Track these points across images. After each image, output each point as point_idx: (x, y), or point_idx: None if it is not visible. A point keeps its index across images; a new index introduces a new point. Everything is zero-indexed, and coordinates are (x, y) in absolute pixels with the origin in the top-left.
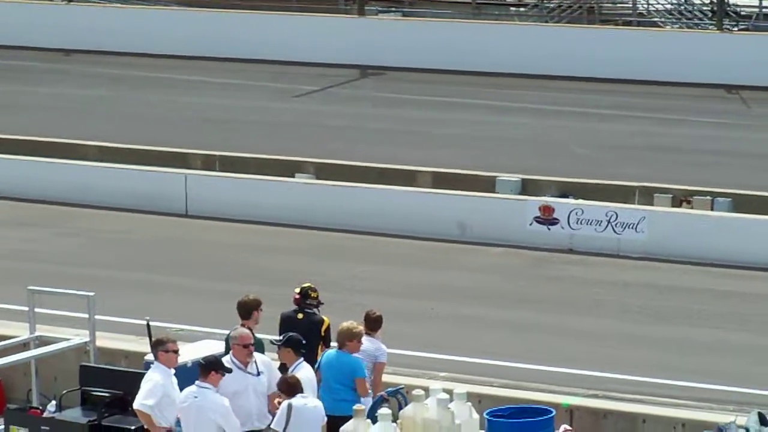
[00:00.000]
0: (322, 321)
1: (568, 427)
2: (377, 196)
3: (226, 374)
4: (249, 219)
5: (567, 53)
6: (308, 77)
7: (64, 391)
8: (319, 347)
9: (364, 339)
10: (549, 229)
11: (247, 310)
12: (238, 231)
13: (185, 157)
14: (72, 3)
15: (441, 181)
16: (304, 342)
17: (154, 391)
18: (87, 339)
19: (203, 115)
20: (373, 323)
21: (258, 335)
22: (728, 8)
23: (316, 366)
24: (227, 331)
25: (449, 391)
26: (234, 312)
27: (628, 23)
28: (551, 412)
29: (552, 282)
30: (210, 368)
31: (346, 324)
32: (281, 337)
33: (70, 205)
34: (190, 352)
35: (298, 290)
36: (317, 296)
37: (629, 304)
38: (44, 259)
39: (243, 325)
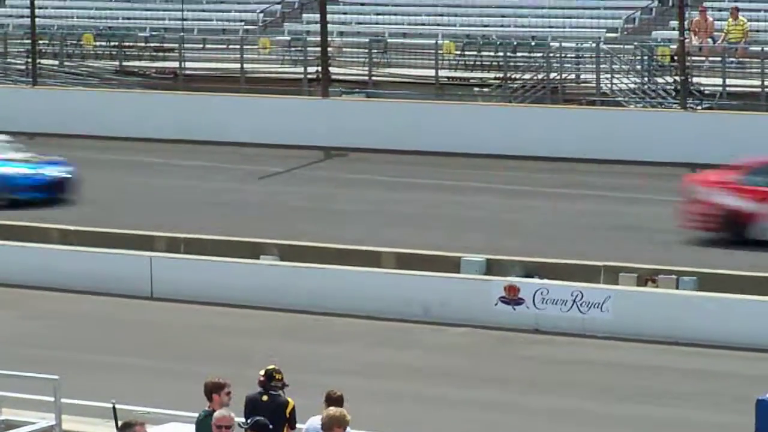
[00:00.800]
0: (287, 403)
1: None
2: (341, 277)
3: None
4: (214, 301)
5: (531, 133)
6: (273, 159)
7: None
8: (285, 429)
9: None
10: (514, 309)
11: (207, 392)
12: (204, 313)
13: (150, 240)
14: (36, 87)
15: (405, 261)
16: (270, 426)
17: None
18: (53, 422)
19: (168, 198)
20: (334, 403)
21: None
22: (692, 87)
23: None
24: (194, 414)
25: None
26: (199, 393)
27: (592, 103)
28: None
29: (517, 362)
30: None
31: (339, 411)
32: (248, 421)
33: (34, 288)
34: None
35: (262, 372)
36: (282, 378)
37: (594, 383)
38: (8, 341)
39: (209, 407)
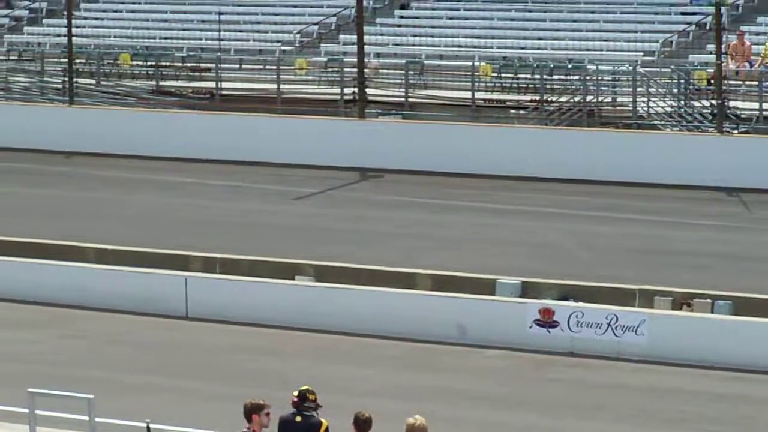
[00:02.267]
0: (320, 424)
1: None
2: (376, 299)
3: None
4: (249, 321)
5: (566, 156)
6: (308, 180)
7: None
8: None
9: None
10: (549, 332)
11: (247, 413)
12: (238, 333)
13: (185, 260)
14: (73, 106)
15: (440, 283)
16: None
17: None
18: None
19: (203, 218)
20: (363, 424)
21: None
22: (728, 111)
23: None
24: None
25: None
26: (234, 414)
27: (628, 126)
28: None
29: (552, 385)
30: None
31: (420, 421)
32: None
33: (71, 307)
34: None
35: (296, 393)
36: (315, 398)
37: (629, 407)
38: (45, 360)
39: (248, 428)
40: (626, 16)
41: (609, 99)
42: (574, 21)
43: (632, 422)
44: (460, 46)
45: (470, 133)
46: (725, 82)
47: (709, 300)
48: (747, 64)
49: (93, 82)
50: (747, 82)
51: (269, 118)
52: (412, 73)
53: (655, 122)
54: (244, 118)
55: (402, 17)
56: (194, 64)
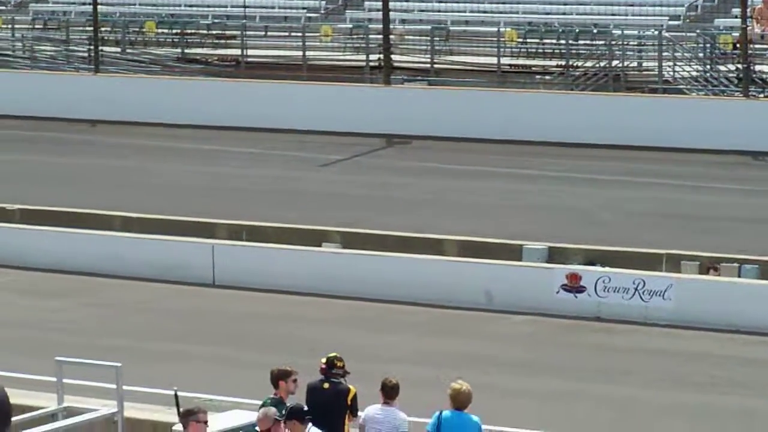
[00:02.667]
0: (348, 390)
1: None
2: (403, 266)
3: None
4: (276, 289)
5: (593, 121)
6: (334, 146)
7: None
8: (346, 417)
9: (382, 407)
10: (576, 297)
11: (273, 380)
12: (266, 300)
13: (212, 227)
14: (98, 74)
15: (467, 249)
16: (305, 408)
17: None
18: (115, 410)
19: (229, 185)
20: (390, 391)
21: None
22: (754, 75)
23: (428, 428)
24: (256, 401)
25: None
26: (262, 381)
27: (654, 91)
28: None
29: (579, 350)
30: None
31: (465, 386)
32: (282, 413)
33: (97, 276)
34: (219, 423)
35: (324, 360)
36: (343, 365)
37: (656, 372)
38: (72, 329)
39: (275, 395)
40: None
41: (635, 63)
42: None
43: (660, 387)
44: (485, 12)
45: (496, 99)
46: (751, 46)
47: (736, 264)
48: None
49: (118, 50)
50: None
51: (295, 85)
52: (437, 39)
53: (681, 87)
54: (269, 86)
55: None
56: (219, 32)
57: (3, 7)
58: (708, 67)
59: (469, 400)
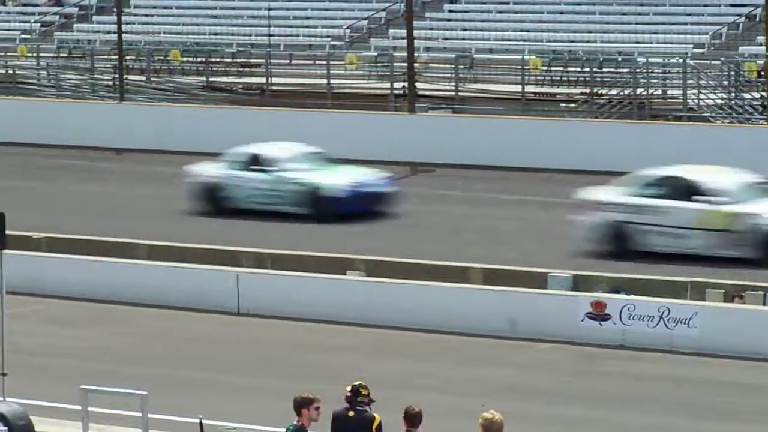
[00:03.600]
0: (373, 419)
1: None
2: (428, 293)
3: None
4: (301, 317)
5: (617, 148)
6: None
7: None
8: None
9: None
10: (601, 324)
11: (296, 407)
12: (290, 329)
13: (236, 255)
14: (123, 102)
15: (492, 277)
16: None
17: None
18: None
19: (253, 213)
20: (413, 418)
21: None
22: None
23: None
24: (279, 429)
25: None
26: (285, 409)
27: (679, 118)
28: None
29: (604, 378)
30: None
31: (498, 416)
32: None
33: (123, 304)
34: None
35: (349, 388)
36: (368, 394)
37: (681, 400)
38: (97, 357)
39: (298, 422)
40: (676, 8)
41: (659, 91)
42: (624, 14)
43: (685, 415)
44: (509, 40)
45: (520, 127)
46: None
47: (761, 292)
48: None
49: (143, 78)
50: None
51: (319, 113)
52: (461, 67)
53: (706, 114)
54: (294, 114)
55: (451, 11)
56: (244, 60)
57: (28, 36)
58: (732, 94)
59: (501, 430)
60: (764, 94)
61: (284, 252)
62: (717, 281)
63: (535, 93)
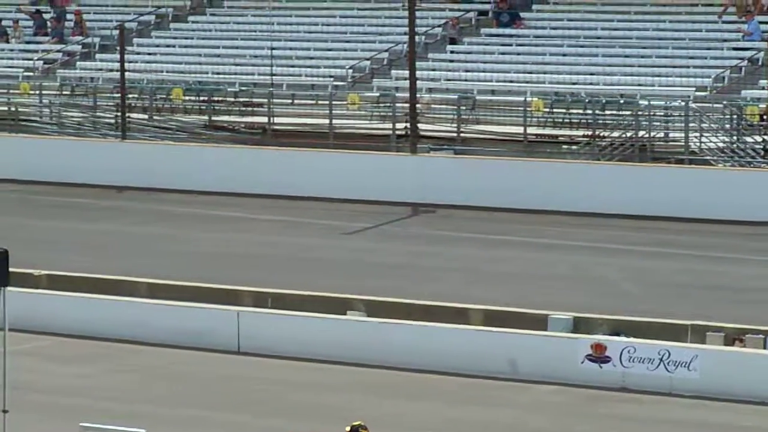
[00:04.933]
0: None
1: None
2: (428, 334)
3: None
4: (301, 356)
5: (618, 191)
6: (360, 215)
7: None
8: None
9: None
10: (601, 367)
11: None
12: (291, 368)
13: (237, 294)
14: (126, 140)
15: (492, 318)
16: None
17: None
18: None
19: (255, 252)
20: None
21: None
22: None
23: None
24: None
25: None
26: None
27: (680, 161)
28: None
29: (604, 421)
30: None
31: None
32: None
33: (122, 342)
34: None
35: (348, 428)
36: None
37: None
38: (96, 395)
39: None
40: (678, 51)
41: (661, 134)
42: (626, 56)
43: None
44: (512, 81)
45: (522, 169)
46: None
47: (761, 336)
48: None
49: (145, 116)
50: None
51: (321, 154)
52: (463, 108)
53: (708, 158)
54: (296, 154)
55: (453, 52)
56: (246, 99)
57: (31, 73)
58: (735, 138)
59: None
60: (766, 137)
61: (285, 291)
62: (718, 324)
63: (537, 134)
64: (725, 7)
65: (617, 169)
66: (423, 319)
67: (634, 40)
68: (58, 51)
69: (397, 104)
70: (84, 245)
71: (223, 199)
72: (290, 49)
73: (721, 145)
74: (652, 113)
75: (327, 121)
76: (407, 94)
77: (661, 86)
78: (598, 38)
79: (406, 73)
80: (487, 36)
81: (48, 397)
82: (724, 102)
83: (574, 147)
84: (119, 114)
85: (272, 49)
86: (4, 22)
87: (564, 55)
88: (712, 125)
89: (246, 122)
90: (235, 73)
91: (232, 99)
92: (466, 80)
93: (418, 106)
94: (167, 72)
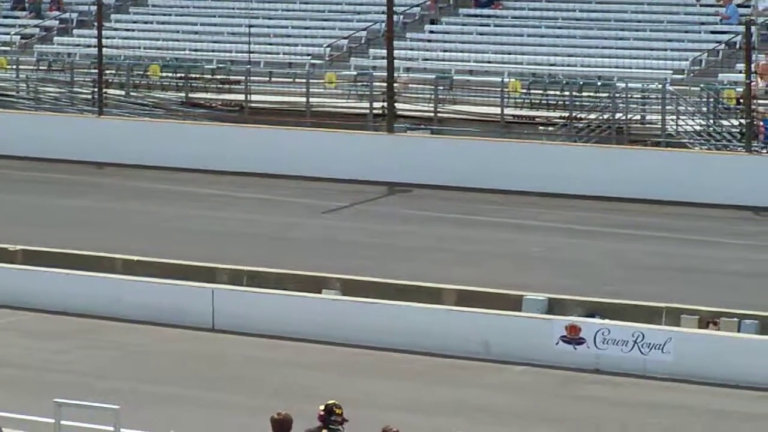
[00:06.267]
0: None
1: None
2: (402, 313)
3: None
4: (276, 334)
5: (595, 173)
6: (337, 193)
7: None
8: None
9: None
10: (575, 348)
11: (286, 428)
12: (265, 346)
13: (212, 272)
14: (102, 117)
15: (466, 298)
16: None
17: None
18: None
19: (231, 230)
20: None
21: None
22: (757, 130)
23: None
24: None
25: None
26: (258, 426)
27: (657, 144)
28: None
29: (577, 402)
30: None
31: None
32: None
33: (98, 318)
34: None
35: (322, 407)
36: (342, 413)
37: (654, 425)
38: (71, 371)
39: None
40: (656, 34)
41: (638, 117)
42: (604, 38)
43: None
44: (489, 62)
45: (499, 149)
46: (754, 101)
47: (735, 319)
48: None
49: (122, 93)
50: None
51: (298, 132)
52: (441, 88)
53: (684, 140)
54: (272, 131)
55: (432, 32)
56: (224, 77)
57: (7, 48)
58: (711, 121)
59: None
60: (743, 121)
61: (260, 269)
62: (692, 307)
63: (514, 116)
64: None
65: (594, 151)
66: (397, 299)
67: (612, 22)
68: (36, 26)
69: (375, 83)
70: (60, 221)
71: (199, 176)
72: (268, 27)
73: (697, 128)
74: (629, 95)
75: (304, 99)
76: (385, 74)
77: (638, 68)
78: (576, 20)
79: (384, 52)
80: (466, 16)
81: (22, 372)
82: (701, 85)
83: (550, 128)
84: (96, 90)
85: (250, 26)
86: None
87: (542, 36)
88: (689, 108)
89: (223, 99)
90: (213, 51)
91: (210, 76)
92: (443, 60)
93: (395, 85)
94: (145, 48)
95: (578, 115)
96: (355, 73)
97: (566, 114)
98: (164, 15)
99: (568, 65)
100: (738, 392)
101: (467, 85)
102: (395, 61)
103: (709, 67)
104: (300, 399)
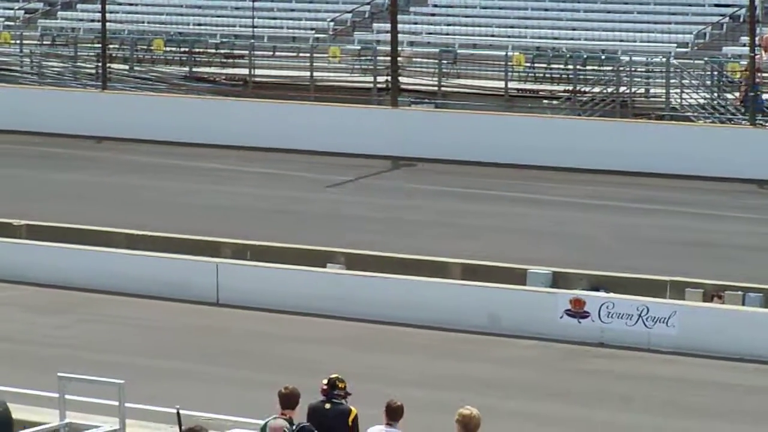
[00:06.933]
0: (350, 411)
1: None
2: (407, 287)
3: None
4: (280, 309)
5: (599, 146)
6: (341, 168)
7: None
8: None
9: (386, 428)
10: (580, 322)
11: (294, 402)
12: (269, 320)
13: (216, 246)
14: (106, 91)
15: (471, 272)
16: (314, 431)
17: None
18: (117, 427)
19: (235, 204)
20: (393, 413)
21: None
22: (761, 104)
23: None
24: (257, 421)
25: None
26: (264, 401)
27: (661, 117)
28: None
29: (582, 375)
30: None
31: (475, 411)
32: (294, 428)
33: (101, 292)
34: None
35: (325, 381)
36: (345, 387)
37: (659, 398)
38: (75, 345)
39: (284, 415)
40: (660, 7)
41: (642, 90)
42: (608, 12)
43: (662, 413)
44: (493, 36)
45: (503, 123)
46: (758, 74)
47: (740, 292)
48: None
49: (126, 67)
50: None
51: (302, 106)
52: (445, 62)
53: (688, 114)
54: (276, 106)
55: (436, 6)
56: (227, 51)
57: (11, 23)
58: (715, 95)
59: (478, 426)
60: (748, 94)
61: (264, 243)
62: (696, 281)
63: (518, 89)
64: None
65: (598, 125)
66: (402, 273)
67: None
68: (39, 1)
69: (379, 57)
70: (64, 195)
71: (203, 150)
72: (272, 1)
73: (701, 101)
74: (633, 69)
75: (308, 73)
76: (388, 48)
77: (642, 42)
78: None
79: (388, 26)
80: None
81: (25, 347)
82: (705, 58)
83: (554, 102)
84: (100, 64)
85: (254, 0)
86: None
87: (546, 9)
88: (693, 81)
89: (227, 74)
90: (217, 25)
91: (213, 50)
92: (447, 34)
93: (399, 59)
94: (148, 23)
95: (582, 89)
96: (358, 47)
97: (570, 87)
98: None
99: (572, 39)
100: (742, 365)
101: (471, 58)
102: (399, 35)
103: (713, 40)
104: (304, 373)
